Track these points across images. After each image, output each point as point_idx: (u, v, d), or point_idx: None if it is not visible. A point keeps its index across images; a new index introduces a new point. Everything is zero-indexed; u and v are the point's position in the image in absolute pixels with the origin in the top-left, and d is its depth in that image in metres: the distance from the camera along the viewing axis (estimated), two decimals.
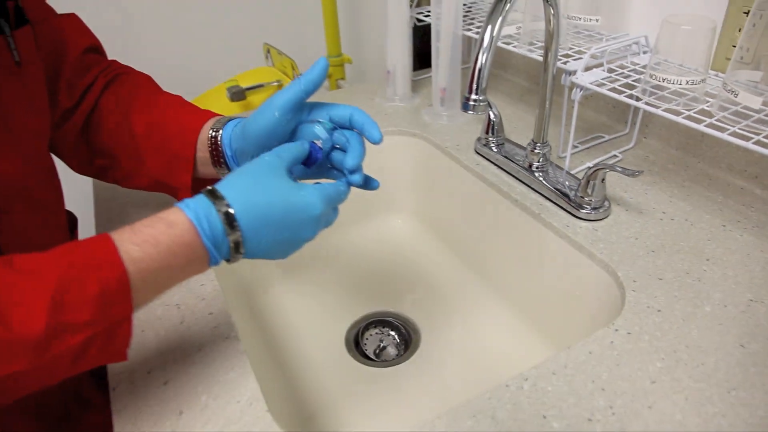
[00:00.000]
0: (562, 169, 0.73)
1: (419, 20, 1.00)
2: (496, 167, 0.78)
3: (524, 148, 0.74)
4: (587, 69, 0.69)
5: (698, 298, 0.55)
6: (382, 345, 0.77)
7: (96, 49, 0.64)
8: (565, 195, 0.68)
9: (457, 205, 0.86)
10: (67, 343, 0.36)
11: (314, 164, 0.53)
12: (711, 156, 0.74)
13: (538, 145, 0.71)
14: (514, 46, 0.81)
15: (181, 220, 0.41)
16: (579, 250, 0.63)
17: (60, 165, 0.61)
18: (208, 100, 1.24)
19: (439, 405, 0.67)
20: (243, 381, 0.49)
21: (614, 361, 0.49)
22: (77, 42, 0.61)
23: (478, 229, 0.82)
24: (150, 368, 0.51)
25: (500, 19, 0.50)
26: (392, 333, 0.79)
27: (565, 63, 0.71)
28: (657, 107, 0.61)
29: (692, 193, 0.70)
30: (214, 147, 0.58)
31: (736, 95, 0.56)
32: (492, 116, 0.79)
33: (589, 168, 0.64)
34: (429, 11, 0.93)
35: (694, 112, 0.59)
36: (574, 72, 0.69)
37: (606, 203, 0.67)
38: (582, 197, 0.66)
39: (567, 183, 0.70)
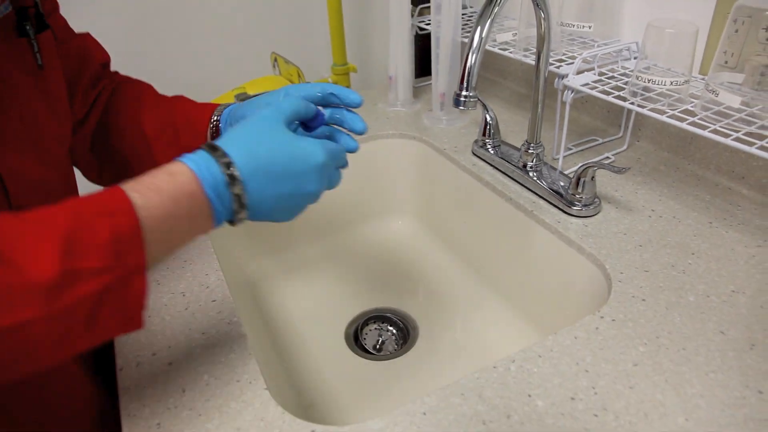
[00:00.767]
0: (555, 169, 0.76)
1: (421, 29, 1.03)
2: (492, 168, 0.81)
3: (519, 150, 0.77)
4: (579, 73, 0.72)
5: (682, 289, 0.57)
6: (381, 340, 0.79)
7: (107, 64, 0.67)
8: (558, 193, 0.70)
9: (454, 204, 0.89)
10: (81, 290, 0.34)
11: (316, 128, 0.53)
12: (700, 157, 0.76)
13: (532, 145, 0.74)
14: (510, 52, 0.84)
15: (182, 170, 0.40)
16: (569, 245, 0.66)
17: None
18: None
19: None
20: (243, 362, 0.52)
21: (598, 345, 0.51)
22: (96, 58, 0.64)
23: (474, 226, 0.85)
24: (155, 350, 0.53)
25: (489, 21, 0.53)
26: (391, 328, 0.81)
27: (558, 67, 0.74)
28: (643, 107, 0.64)
29: (681, 193, 0.72)
30: (215, 133, 0.60)
31: (717, 95, 0.58)
32: (488, 119, 0.82)
33: (580, 166, 0.67)
34: (430, 20, 0.96)
35: (679, 112, 0.62)
36: (566, 75, 0.72)
37: (596, 200, 0.69)
38: (573, 195, 0.68)
39: (560, 182, 0.72)
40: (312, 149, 0.45)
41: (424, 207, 0.98)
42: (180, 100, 0.64)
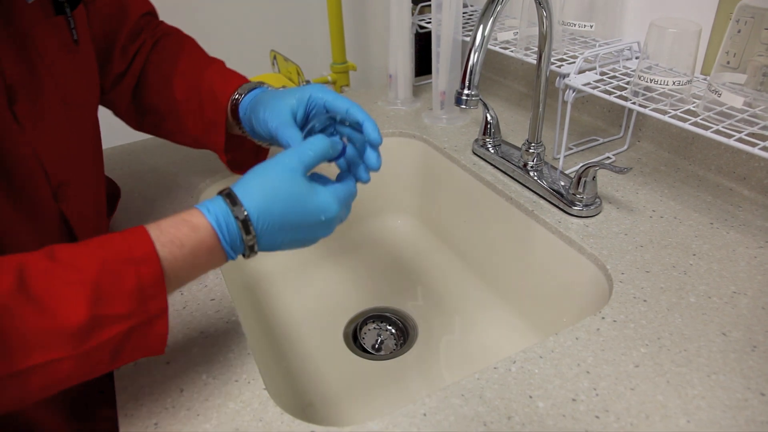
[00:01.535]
0: (556, 168, 0.75)
1: (421, 27, 1.03)
2: (492, 167, 0.81)
3: (519, 149, 0.77)
4: (580, 72, 0.72)
5: (683, 290, 0.57)
6: (380, 340, 0.79)
7: (151, 12, 0.68)
8: (558, 193, 0.70)
9: (454, 204, 0.89)
10: (106, 334, 0.38)
11: (336, 160, 0.53)
12: (701, 158, 0.76)
13: (533, 145, 0.74)
14: (511, 51, 0.83)
15: (203, 225, 0.43)
16: (570, 245, 0.66)
17: None
18: None
19: None
20: (242, 361, 0.51)
21: (600, 346, 0.51)
22: (137, 8, 0.65)
23: (475, 226, 0.85)
24: None
25: (491, 19, 0.53)
26: (390, 328, 0.80)
27: (559, 67, 0.74)
28: (645, 107, 0.63)
29: (682, 193, 0.72)
30: (234, 112, 0.60)
31: (720, 95, 0.58)
32: (489, 118, 0.81)
33: (581, 166, 0.67)
34: (430, 19, 0.96)
35: (681, 112, 0.61)
36: (568, 75, 0.71)
37: (597, 201, 0.69)
38: (574, 195, 0.68)
39: (560, 182, 0.72)
40: (327, 205, 0.47)
41: (424, 206, 0.98)
42: (210, 66, 0.64)
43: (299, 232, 0.47)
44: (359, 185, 0.54)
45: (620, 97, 0.67)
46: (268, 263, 0.90)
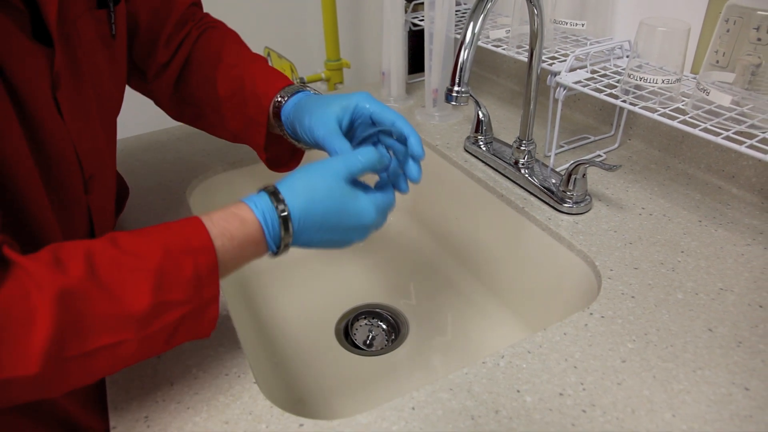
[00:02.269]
0: (546, 166, 0.76)
1: (414, 25, 1.03)
2: (483, 164, 0.81)
3: (511, 147, 0.77)
4: (571, 70, 0.72)
5: (671, 286, 0.57)
6: (371, 336, 0.79)
7: (196, 3, 0.68)
8: (549, 190, 0.71)
9: (445, 200, 0.89)
10: (166, 319, 0.40)
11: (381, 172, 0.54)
12: (691, 156, 0.77)
13: (524, 142, 0.74)
14: (503, 49, 0.84)
15: (251, 219, 0.45)
16: (560, 242, 0.66)
17: None
18: None
19: None
20: (232, 355, 0.51)
21: (587, 341, 0.51)
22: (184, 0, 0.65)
23: (466, 223, 0.85)
24: None
25: (482, 16, 0.53)
26: (381, 324, 0.81)
27: (550, 65, 0.74)
28: (635, 105, 0.64)
29: (671, 191, 0.72)
30: (276, 114, 0.60)
31: (708, 94, 0.59)
32: (481, 116, 0.82)
33: (572, 163, 0.67)
34: (423, 16, 0.96)
35: (670, 110, 0.62)
36: (559, 72, 0.72)
37: (587, 198, 0.69)
38: (564, 192, 0.69)
39: (551, 179, 0.73)
40: (366, 211, 0.49)
41: (416, 203, 0.98)
42: (254, 64, 0.64)
43: (335, 233, 0.49)
44: None
45: (610, 95, 0.67)
46: (261, 258, 0.90)
